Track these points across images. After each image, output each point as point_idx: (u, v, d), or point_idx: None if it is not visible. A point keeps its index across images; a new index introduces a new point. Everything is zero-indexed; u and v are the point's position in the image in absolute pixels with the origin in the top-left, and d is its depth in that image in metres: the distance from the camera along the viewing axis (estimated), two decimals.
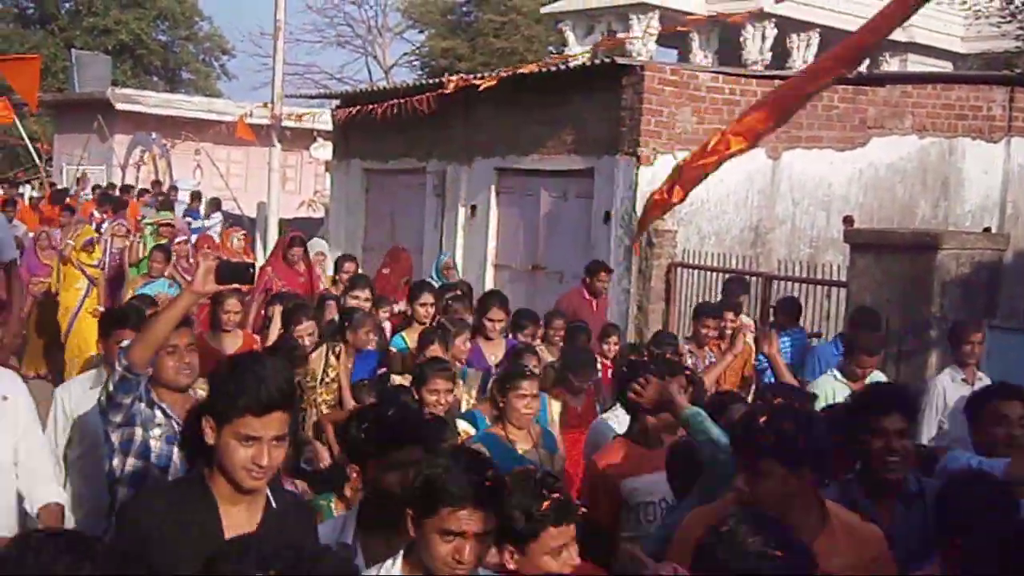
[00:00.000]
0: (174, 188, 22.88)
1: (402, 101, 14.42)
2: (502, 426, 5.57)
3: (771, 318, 10.27)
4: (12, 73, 11.18)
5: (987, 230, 13.43)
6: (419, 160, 16.10)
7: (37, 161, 26.09)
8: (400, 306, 9.27)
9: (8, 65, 11.80)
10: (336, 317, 8.09)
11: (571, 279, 13.05)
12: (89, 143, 25.80)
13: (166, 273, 10.66)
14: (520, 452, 5.41)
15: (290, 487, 5.07)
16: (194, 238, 13.77)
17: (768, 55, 25.85)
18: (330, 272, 11.68)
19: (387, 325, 8.94)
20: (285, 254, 10.67)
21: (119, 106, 27.29)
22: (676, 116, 12.22)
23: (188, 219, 19.47)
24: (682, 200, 4.87)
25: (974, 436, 4.77)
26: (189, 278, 4.83)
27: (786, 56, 26.40)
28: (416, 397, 5.84)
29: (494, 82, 12.87)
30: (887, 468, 3.95)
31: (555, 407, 6.67)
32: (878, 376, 7.31)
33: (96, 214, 17.11)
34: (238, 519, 3.08)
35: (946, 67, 26.79)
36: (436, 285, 9.82)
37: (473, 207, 15.00)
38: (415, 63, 44.20)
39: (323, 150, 22.97)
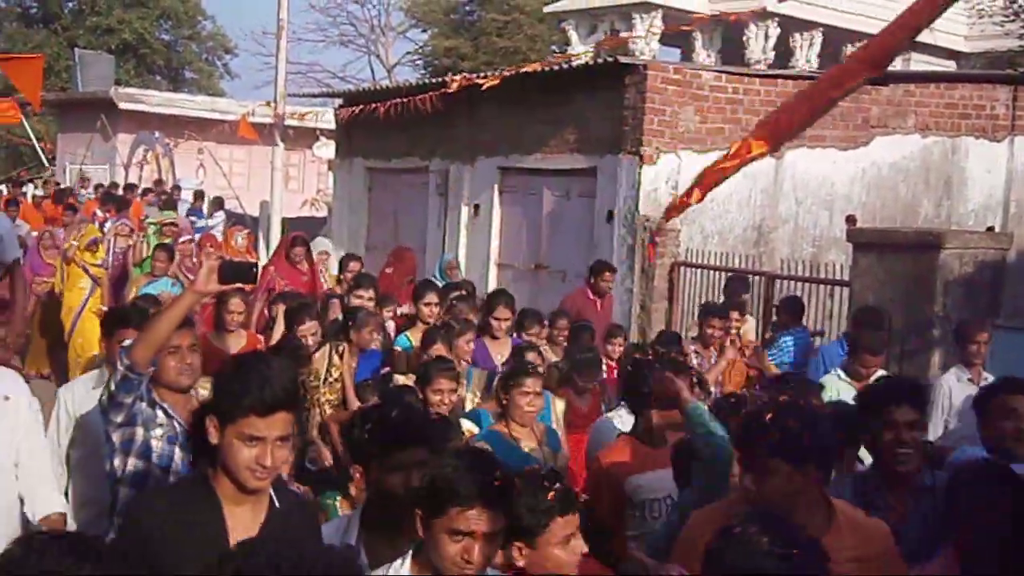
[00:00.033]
0: (177, 187, 22.90)
1: (405, 100, 14.41)
2: (505, 424, 5.58)
3: (774, 317, 10.28)
4: (15, 72, 11.19)
5: (990, 229, 13.43)
6: (422, 159, 16.11)
7: (44, 161, 26.14)
8: (404, 308, 9.26)
9: (11, 64, 11.81)
10: (340, 316, 8.10)
11: (574, 278, 13.05)
12: (92, 142, 25.83)
13: (169, 272, 10.66)
14: (524, 449, 5.41)
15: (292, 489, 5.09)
16: (198, 237, 13.77)
17: (771, 54, 25.82)
18: (334, 271, 11.68)
19: (391, 324, 8.94)
20: (288, 254, 10.68)
21: (122, 105, 27.30)
22: (679, 115, 12.22)
23: (192, 218, 19.49)
24: (699, 201, 4.88)
25: (982, 431, 4.76)
26: (192, 277, 4.81)
27: (789, 55, 26.37)
28: (420, 397, 5.84)
29: (497, 81, 12.87)
30: (898, 460, 3.95)
31: (559, 406, 6.67)
32: (881, 375, 7.31)
33: (99, 213, 17.12)
34: (242, 519, 3.08)
35: (949, 66, 26.76)
36: (440, 285, 9.83)
37: (476, 206, 15.00)
38: (418, 62, 44.20)
39: (326, 149, 22.92)
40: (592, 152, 12.85)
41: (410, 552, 3.11)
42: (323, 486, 4.86)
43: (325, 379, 7.06)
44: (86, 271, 11.53)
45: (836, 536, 3.23)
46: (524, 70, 13.40)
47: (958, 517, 3.40)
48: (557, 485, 3.34)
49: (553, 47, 34.73)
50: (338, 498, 4.21)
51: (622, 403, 5.85)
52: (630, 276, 12.13)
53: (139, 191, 22.25)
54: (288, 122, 18.26)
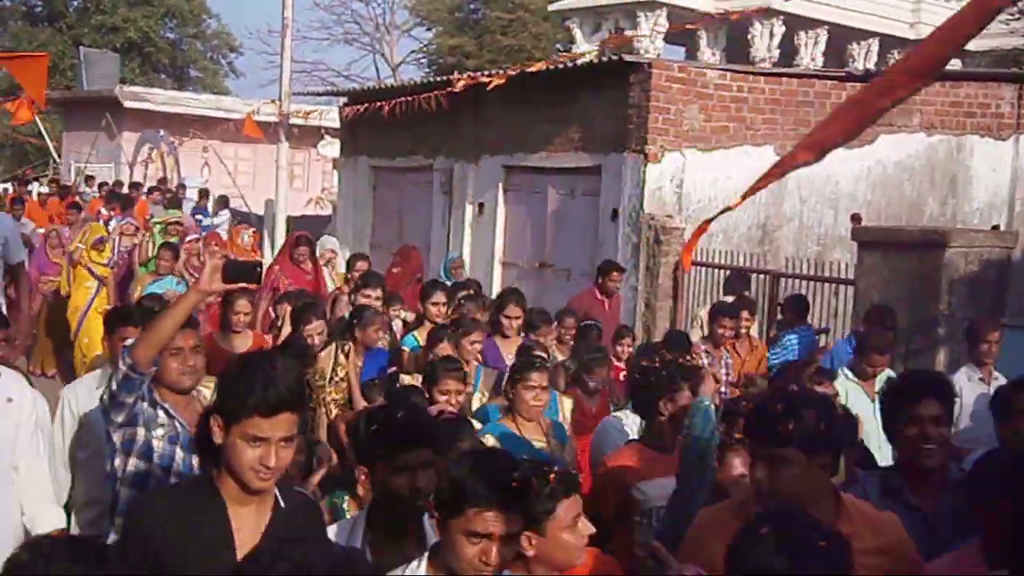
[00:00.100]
0: (182, 186, 22.91)
1: (409, 99, 14.42)
2: (512, 418, 5.59)
3: (778, 316, 10.28)
4: (20, 71, 11.20)
5: (995, 228, 13.41)
6: (426, 157, 16.11)
7: (56, 158, 26.18)
8: (410, 315, 9.22)
9: (16, 63, 11.82)
10: (347, 314, 8.08)
11: (579, 276, 13.06)
12: (97, 141, 25.87)
13: (175, 271, 10.66)
14: (530, 443, 5.42)
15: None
16: (203, 236, 13.77)
17: (776, 52, 25.79)
18: (342, 270, 11.67)
19: (398, 324, 8.92)
20: (292, 253, 10.69)
21: (127, 104, 27.34)
22: (684, 113, 12.21)
23: (199, 217, 19.52)
24: (737, 205, 4.85)
25: (1000, 431, 4.73)
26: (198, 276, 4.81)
27: (794, 53, 26.35)
28: (427, 397, 5.84)
29: (502, 81, 12.87)
30: (923, 455, 3.89)
31: (566, 404, 6.67)
32: (889, 375, 7.31)
33: (103, 211, 17.13)
34: (247, 519, 3.07)
35: (955, 64, 26.66)
36: (447, 284, 9.82)
37: (481, 205, 15.00)
38: (422, 60, 44.22)
39: (330, 147, 22.97)
40: (597, 151, 12.85)
41: (426, 553, 3.11)
42: (331, 486, 4.86)
43: (331, 378, 7.03)
44: (91, 273, 11.54)
45: (848, 527, 3.19)
46: (529, 69, 13.37)
47: (982, 511, 3.37)
48: (557, 468, 3.35)
49: (558, 45, 34.73)
50: (346, 498, 4.20)
51: (630, 403, 5.85)
52: (635, 274, 12.12)
53: (144, 190, 22.26)
54: (293, 121, 18.27)
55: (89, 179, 24.26)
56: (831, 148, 4.13)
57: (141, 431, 4.14)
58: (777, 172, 4.21)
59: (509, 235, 14.69)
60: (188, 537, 3.00)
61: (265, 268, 9.63)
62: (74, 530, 4.73)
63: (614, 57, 12.87)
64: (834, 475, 3.46)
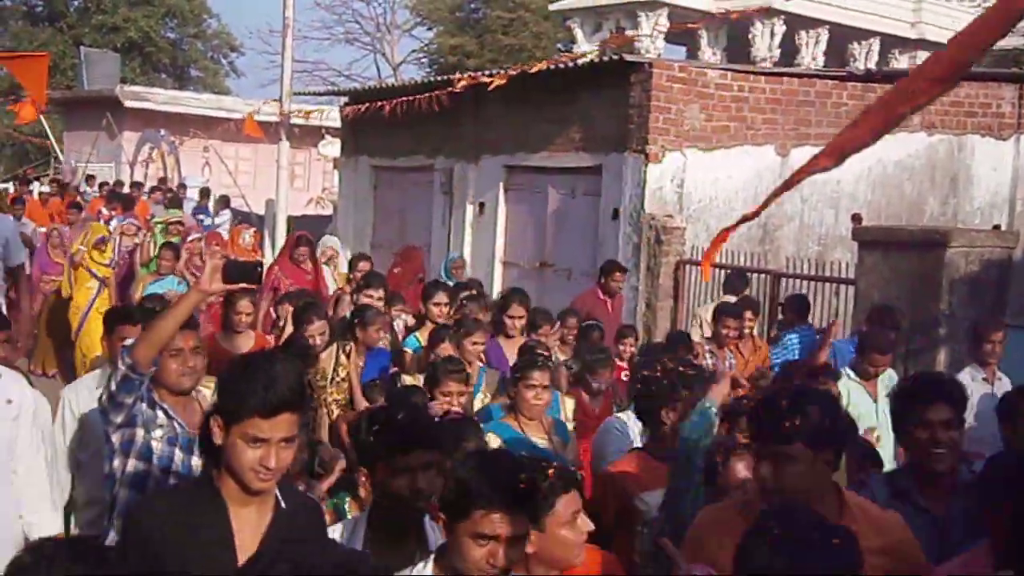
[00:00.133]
0: (183, 186, 22.92)
1: (410, 98, 14.42)
2: (514, 417, 5.59)
3: (779, 316, 10.28)
4: (21, 71, 11.22)
5: (996, 227, 13.41)
6: (427, 157, 16.11)
7: (61, 157, 26.20)
8: (410, 318, 9.20)
9: (17, 63, 11.83)
10: (348, 314, 8.07)
11: (579, 276, 13.06)
12: (98, 140, 25.88)
13: (176, 271, 10.65)
14: (532, 441, 5.42)
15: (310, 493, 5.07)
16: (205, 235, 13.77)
17: (777, 52, 25.78)
18: (343, 270, 11.67)
19: (399, 324, 8.91)
20: (292, 253, 10.69)
21: (128, 103, 27.36)
22: (684, 113, 12.21)
23: (200, 216, 19.52)
24: (756, 214, 4.82)
25: (1003, 432, 4.72)
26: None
27: (795, 53, 26.33)
28: (429, 397, 5.84)
29: (504, 82, 12.87)
30: (933, 459, 3.86)
31: (568, 404, 6.67)
32: (891, 374, 7.31)
33: (104, 211, 17.13)
34: (248, 520, 3.06)
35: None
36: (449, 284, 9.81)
37: (481, 204, 15.00)
38: (423, 60, 44.21)
39: (331, 147, 22.94)
40: (597, 150, 12.85)
41: (432, 555, 3.10)
42: (333, 487, 4.85)
43: (332, 378, 7.02)
44: (92, 274, 11.53)
45: (851, 524, 3.17)
46: (530, 70, 13.37)
47: (992, 512, 3.34)
48: (555, 464, 3.34)
49: (558, 45, 34.76)
50: (347, 499, 4.19)
51: (632, 403, 5.83)
52: (636, 274, 12.12)
53: (146, 190, 22.27)
54: (294, 120, 18.25)
55: (90, 179, 24.28)
56: (850, 153, 4.09)
57: (140, 432, 4.12)
58: (797, 178, 4.18)
59: (510, 235, 14.69)
60: (188, 538, 2.99)
61: (265, 268, 9.63)
62: (74, 530, 4.73)
63: (615, 57, 12.87)
64: (835, 471, 3.45)
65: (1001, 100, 14.18)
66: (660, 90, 12.06)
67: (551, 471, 3.32)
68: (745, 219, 4.57)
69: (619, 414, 6.13)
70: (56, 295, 12.08)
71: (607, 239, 12.61)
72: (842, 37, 26.97)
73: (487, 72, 14.10)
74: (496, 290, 13.71)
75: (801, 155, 12.93)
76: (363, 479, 3.39)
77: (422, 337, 7.90)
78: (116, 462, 4.13)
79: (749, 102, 12.65)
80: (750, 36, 25.76)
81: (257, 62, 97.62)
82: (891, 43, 27.99)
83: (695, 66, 13.27)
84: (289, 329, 7.69)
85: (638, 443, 5.41)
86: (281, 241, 15.33)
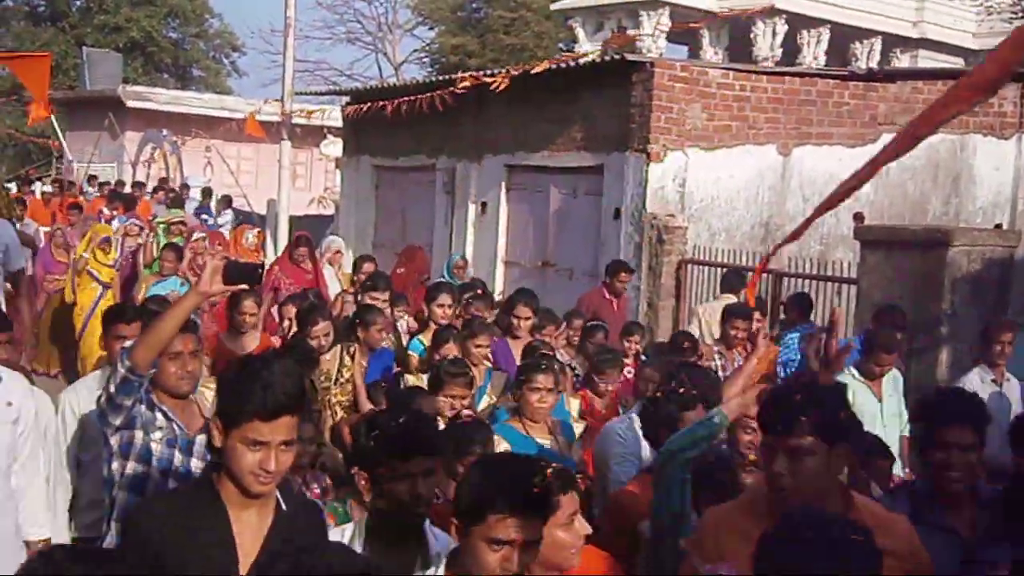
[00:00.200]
0: (186, 186, 22.92)
1: (412, 98, 14.42)
2: (519, 419, 5.59)
3: (781, 315, 10.27)
4: (23, 71, 11.25)
5: (998, 227, 13.40)
6: (429, 157, 16.11)
7: (69, 157, 26.21)
8: (412, 321, 9.17)
9: (19, 63, 11.87)
10: (350, 315, 8.06)
11: (581, 276, 13.06)
12: (100, 141, 25.88)
13: (179, 271, 10.63)
14: (537, 442, 5.41)
15: (316, 484, 5.06)
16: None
17: (779, 51, 25.80)
18: (348, 270, 11.65)
19: (402, 324, 8.89)
20: (291, 254, 10.68)
21: (130, 103, 27.39)
22: (686, 112, 12.20)
23: (204, 216, 19.53)
24: (800, 234, 4.77)
25: (1016, 459, 4.62)
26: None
27: (796, 52, 26.35)
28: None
29: (507, 83, 12.87)
30: (946, 481, 3.77)
31: (574, 405, 6.66)
32: (895, 374, 7.31)
33: (106, 211, 17.12)
34: (248, 523, 3.05)
35: (957, 63, 26.70)
36: (454, 285, 9.80)
37: (483, 204, 15.00)
38: (425, 60, 44.23)
39: (333, 147, 22.95)
40: (599, 150, 12.84)
41: (444, 560, 3.09)
42: (335, 490, 4.85)
43: (336, 379, 6.99)
44: (95, 278, 11.51)
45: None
46: (532, 70, 13.36)
47: (1017, 527, 3.30)
48: (553, 464, 3.31)
49: (560, 44, 34.76)
50: (349, 502, 4.17)
51: (639, 403, 5.81)
52: (637, 273, 12.12)
53: (148, 189, 22.28)
54: (295, 120, 18.28)
55: (92, 179, 24.28)
56: (887, 162, 4.05)
57: (139, 434, 4.10)
58: (837, 198, 4.12)
59: (511, 234, 14.68)
60: (189, 541, 2.98)
61: (265, 269, 9.63)
62: (74, 532, 4.71)
63: (616, 56, 12.86)
64: (848, 465, 3.41)
65: (1003, 100, 14.17)
66: (662, 89, 12.05)
67: (548, 471, 3.30)
68: (787, 241, 4.51)
69: (622, 417, 6.10)
70: (59, 297, 12.07)
71: (609, 239, 12.61)
72: (844, 36, 26.98)
73: (489, 72, 14.10)
74: (498, 290, 13.71)
75: (802, 154, 12.95)
76: (363, 483, 3.36)
77: (426, 340, 7.86)
78: (115, 464, 4.11)
79: (751, 101, 12.65)
80: (752, 35, 25.79)
81: (259, 62, 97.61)
82: (893, 42, 28.00)
83: (697, 65, 13.26)
84: (294, 331, 7.70)
85: (642, 445, 5.39)
86: (283, 241, 15.35)
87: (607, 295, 10.20)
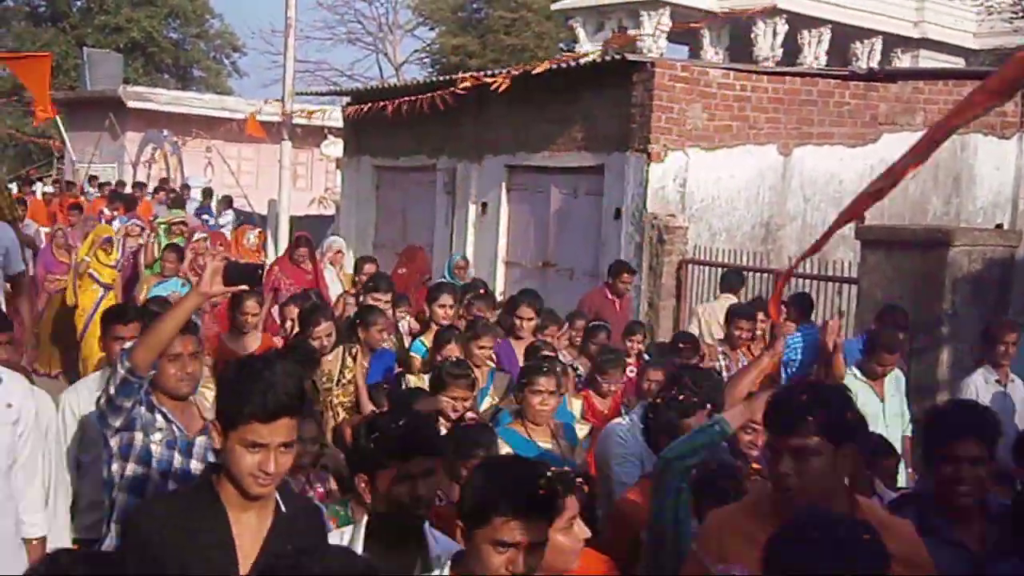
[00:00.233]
0: (186, 186, 22.93)
1: (413, 98, 14.43)
2: (521, 422, 5.58)
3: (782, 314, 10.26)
4: (24, 71, 11.26)
5: (999, 226, 13.38)
6: (429, 157, 16.11)
7: (74, 158, 26.22)
8: (413, 322, 9.16)
9: (20, 63, 11.87)
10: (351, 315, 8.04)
11: (581, 276, 13.06)
12: (101, 141, 25.89)
13: (180, 272, 10.62)
14: (540, 446, 5.40)
15: (320, 484, 5.05)
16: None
17: (779, 51, 25.79)
18: (349, 271, 11.65)
19: (404, 325, 8.88)
20: (291, 254, 10.68)
21: (130, 104, 27.38)
22: (687, 112, 12.20)
23: (205, 217, 19.54)
24: (820, 247, 4.74)
25: (1021, 473, 4.60)
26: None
27: (797, 52, 26.33)
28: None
29: (508, 83, 12.87)
30: (954, 495, 3.73)
31: (576, 405, 6.65)
32: (897, 374, 7.31)
33: (106, 211, 17.12)
34: (248, 525, 3.05)
35: (958, 63, 26.71)
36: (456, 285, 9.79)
37: (484, 204, 14.99)
38: (425, 60, 44.23)
39: (334, 147, 22.95)
40: (600, 150, 12.84)
41: (448, 563, 3.08)
42: (337, 492, 4.84)
43: (338, 381, 6.97)
44: (96, 280, 11.52)
45: None
46: (533, 71, 13.36)
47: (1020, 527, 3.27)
48: (553, 468, 3.29)
49: (561, 44, 34.75)
50: (350, 504, 4.16)
51: (639, 405, 5.80)
52: (638, 273, 12.12)
53: (153, 189, 22.29)
54: (296, 120, 18.27)
55: (92, 179, 24.29)
56: (906, 173, 4.00)
57: (139, 435, 4.09)
58: (858, 208, 4.10)
59: (512, 235, 14.68)
60: (188, 543, 2.98)
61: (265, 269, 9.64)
62: (74, 534, 4.70)
63: (617, 56, 12.86)
64: (853, 467, 3.38)
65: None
66: (662, 89, 12.04)
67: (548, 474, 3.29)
68: (808, 255, 4.48)
69: (623, 418, 6.10)
70: (61, 298, 12.07)
71: (609, 239, 12.61)
72: (844, 36, 26.97)
73: (489, 72, 14.10)
74: (498, 290, 13.70)
75: (802, 154, 12.94)
76: (363, 485, 3.34)
77: (428, 340, 7.84)
78: (115, 466, 4.10)
79: (751, 101, 12.64)
80: (752, 35, 25.78)
81: (259, 62, 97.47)
82: (893, 42, 27.99)
83: (697, 65, 13.26)
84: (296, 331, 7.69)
85: (642, 445, 5.37)
86: (283, 241, 15.35)
87: (609, 295, 10.21)
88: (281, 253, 13.41)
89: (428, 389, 6.12)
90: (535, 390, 5.52)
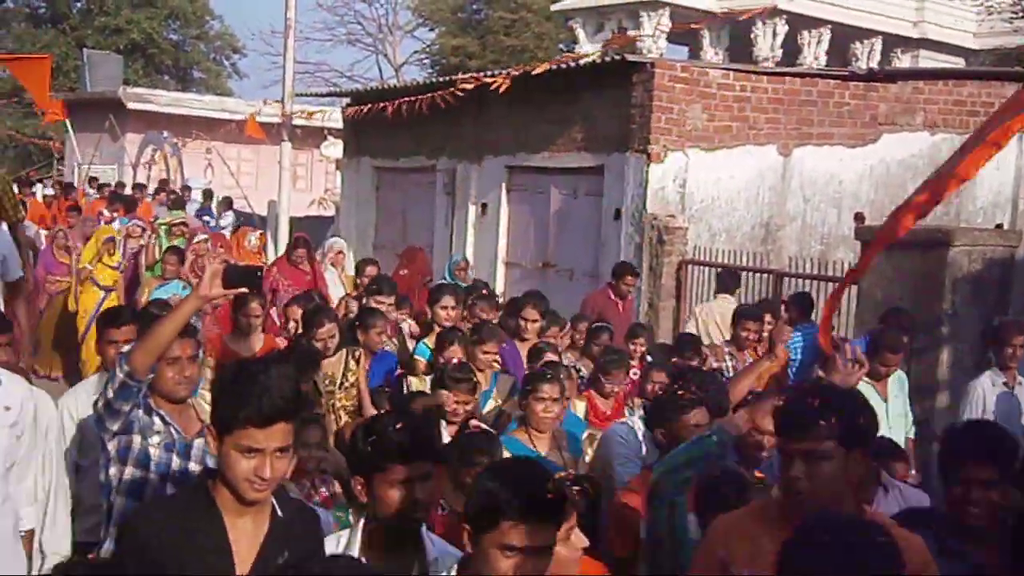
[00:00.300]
0: (187, 187, 22.93)
1: (412, 99, 14.43)
2: (525, 430, 5.56)
3: (782, 314, 10.26)
4: (23, 73, 11.25)
5: (999, 226, 13.39)
6: (429, 158, 16.11)
7: (79, 159, 26.23)
8: (413, 324, 9.15)
9: (19, 65, 11.87)
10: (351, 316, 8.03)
11: (581, 277, 13.06)
12: (101, 142, 25.89)
13: (181, 275, 10.61)
14: (543, 455, 5.36)
15: (325, 487, 5.05)
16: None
17: (779, 52, 25.80)
18: (350, 272, 11.64)
19: (406, 327, 8.87)
20: (290, 255, 10.67)
21: (130, 105, 27.37)
22: (687, 113, 12.20)
23: (207, 218, 19.53)
24: (859, 274, 4.69)
25: None
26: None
27: (797, 53, 26.34)
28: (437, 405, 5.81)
29: (508, 83, 12.87)
30: (963, 515, 3.69)
31: (579, 407, 6.64)
32: (900, 375, 7.30)
33: (106, 213, 17.11)
34: (244, 530, 3.03)
35: (958, 63, 26.71)
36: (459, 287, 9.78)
37: (483, 205, 15.00)
38: (425, 61, 44.27)
39: (333, 148, 22.96)
40: (599, 150, 12.84)
41: (455, 567, 3.07)
42: (339, 497, 4.84)
43: (341, 384, 6.95)
44: (95, 283, 11.51)
45: None
46: (533, 71, 13.36)
47: None
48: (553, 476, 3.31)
49: (560, 45, 34.78)
50: (350, 511, 4.15)
51: (643, 407, 5.80)
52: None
53: (154, 190, 22.28)
54: (296, 121, 18.28)
55: (92, 180, 24.30)
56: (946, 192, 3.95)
57: (137, 439, 4.08)
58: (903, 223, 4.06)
59: (512, 235, 14.68)
60: (186, 548, 2.96)
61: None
62: (73, 537, 4.69)
63: (617, 57, 12.86)
64: (864, 472, 3.36)
65: (1004, 99, 14.13)
66: (662, 90, 12.04)
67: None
68: (852, 278, 4.42)
69: (625, 419, 6.10)
70: (62, 300, 12.07)
71: (609, 239, 12.61)
72: (844, 37, 26.98)
73: (489, 73, 14.10)
74: (499, 291, 13.70)
75: (802, 154, 12.95)
76: (359, 488, 3.33)
77: (431, 343, 7.79)
78: (113, 470, 4.08)
79: (751, 102, 12.64)
80: (752, 36, 25.79)
81: (259, 63, 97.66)
82: (893, 42, 28.00)
83: (697, 66, 13.25)
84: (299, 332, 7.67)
85: (645, 448, 5.38)
86: (283, 242, 15.34)
87: (612, 296, 10.20)
88: (281, 254, 13.40)
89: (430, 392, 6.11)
90: (539, 397, 5.49)
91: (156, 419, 4.13)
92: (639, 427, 5.52)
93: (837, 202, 13.31)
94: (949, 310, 8.76)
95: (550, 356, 7.10)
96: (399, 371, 7.57)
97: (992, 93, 14.11)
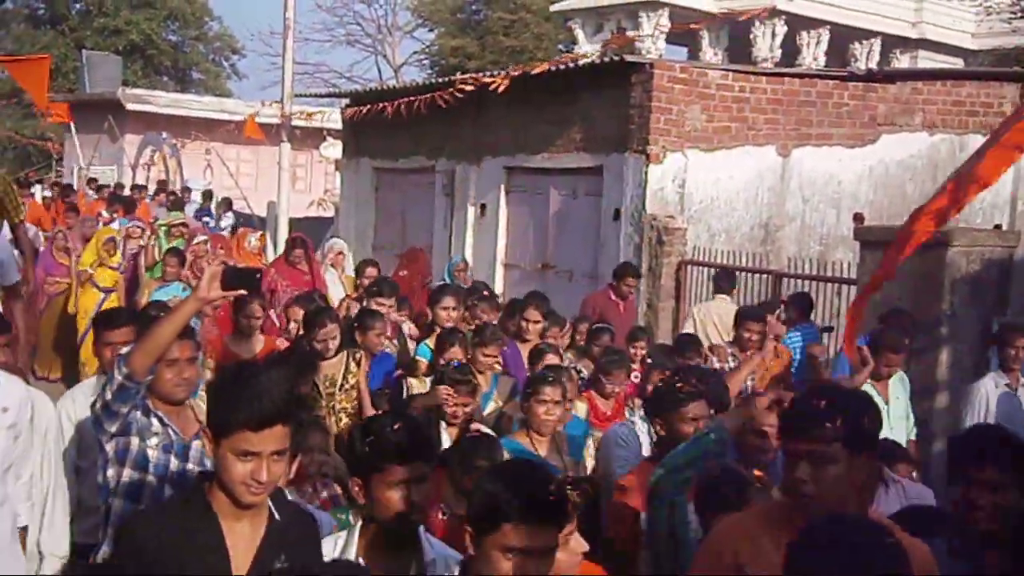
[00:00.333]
0: (187, 188, 22.94)
1: (412, 100, 14.43)
2: (526, 433, 5.55)
3: (782, 314, 10.27)
4: (22, 74, 11.23)
5: (997, 227, 13.39)
6: (428, 159, 16.11)
7: (81, 160, 26.23)
8: (412, 326, 9.14)
9: (18, 66, 11.85)
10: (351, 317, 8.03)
11: (580, 277, 13.06)
12: (100, 143, 25.90)
13: (181, 276, 10.59)
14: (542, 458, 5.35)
15: (326, 490, 5.05)
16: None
17: (778, 52, 25.81)
18: (351, 272, 11.63)
19: (406, 328, 8.87)
20: (288, 256, 10.66)
21: (130, 106, 27.38)
22: (686, 114, 12.21)
23: (206, 219, 19.53)
24: (874, 290, 4.68)
25: None
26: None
27: (796, 53, 26.35)
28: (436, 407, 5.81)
29: (507, 84, 12.87)
30: (969, 519, 3.67)
31: (580, 408, 6.63)
32: (902, 376, 7.30)
33: (105, 214, 17.11)
34: (241, 534, 3.03)
35: (957, 63, 26.72)
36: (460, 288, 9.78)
37: (483, 206, 15.00)
38: (424, 62, 44.27)
39: (333, 149, 22.96)
40: (598, 151, 12.84)
41: (457, 569, 3.06)
42: (339, 499, 4.83)
43: (341, 385, 6.93)
44: (95, 284, 11.50)
45: None
46: (532, 71, 13.37)
47: None
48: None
49: (560, 46, 34.78)
50: (350, 513, 4.14)
51: (643, 409, 5.80)
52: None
53: (153, 191, 22.29)
54: (295, 122, 18.28)
55: (91, 181, 24.30)
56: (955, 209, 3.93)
57: (135, 440, 4.07)
58: (904, 247, 4.05)
59: (511, 236, 14.69)
60: (183, 552, 2.96)
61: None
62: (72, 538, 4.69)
63: (616, 57, 12.86)
64: (869, 475, 3.34)
65: (1003, 99, 14.17)
66: (661, 91, 12.05)
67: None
68: (873, 287, 4.43)
69: (626, 420, 6.10)
70: (61, 302, 12.06)
71: (608, 240, 12.61)
72: (843, 37, 26.99)
73: (488, 73, 14.10)
74: (498, 292, 13.71)
75: (801, 155, 12.95)
76: (356, 489, 3.32)
77: (431, 344, 7.78)
78: (110, 472, 4.07)
79: (750, 102, 12.65)
80: (751, 36, 25.80)
81: (258, 64, 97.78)
82: (892, 43, 28.01)
83: (696, 67, 13.26)
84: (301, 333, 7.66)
85: (646, 449, 5.38)
86: (283, 243, 15.33)
87: (613, 297, 10.19)
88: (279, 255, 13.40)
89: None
90: (540, 400, 5.49)
91: (154, 421, 4.12)
92: (640, 427, 5.52)
93: (836, 203, 13.32)
94: (948, 310, 8.76)
95: (552, 358, 7.08)
96: (398, 372, 7.57)
97: (991, 94, 14.12)
